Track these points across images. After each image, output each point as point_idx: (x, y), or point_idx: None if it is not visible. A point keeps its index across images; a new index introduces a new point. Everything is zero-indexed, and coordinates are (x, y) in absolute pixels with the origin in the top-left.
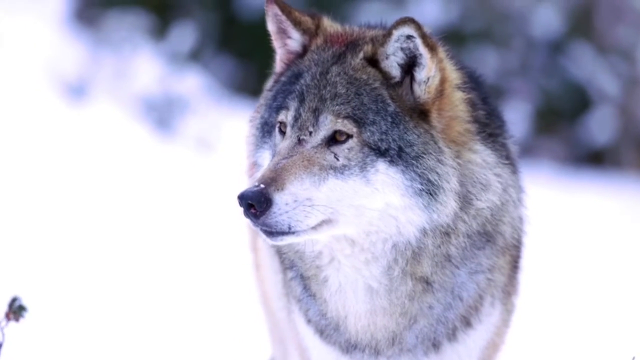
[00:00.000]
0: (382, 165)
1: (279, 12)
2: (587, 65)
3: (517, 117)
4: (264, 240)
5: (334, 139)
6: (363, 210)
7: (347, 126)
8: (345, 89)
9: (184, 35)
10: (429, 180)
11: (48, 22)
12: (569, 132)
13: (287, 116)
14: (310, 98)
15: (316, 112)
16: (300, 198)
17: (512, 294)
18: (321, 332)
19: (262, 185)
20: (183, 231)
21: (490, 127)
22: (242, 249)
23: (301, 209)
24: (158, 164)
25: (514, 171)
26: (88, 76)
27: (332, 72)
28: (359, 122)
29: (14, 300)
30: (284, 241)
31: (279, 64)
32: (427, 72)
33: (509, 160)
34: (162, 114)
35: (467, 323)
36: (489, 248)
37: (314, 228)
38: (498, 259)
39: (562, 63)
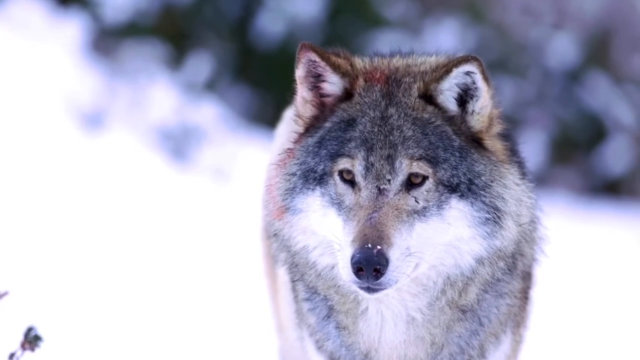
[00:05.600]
0: (454, 201)
1: (317, 59)
2: (603, 95)
3: (533, 147)
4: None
5: (410, 182)
6: (436, 246)
7: (423, 168)
8: (411, 131)
9: (200, 65)
10: (495, 208)
11: (64, 52)
12: (584, 162)
13: (354, 165)
14: (379, 145)
15: (390, 159)
16: (403, 249)
17: (521, 324)
18: None
19: (378, 247)
20: (199, 260)
21: (508, 145)
22: (257, 277)
23: (406, 260)
24: (174, 193)
25: (533, 189)
26: (104, 106)
27: (392, 116)
28: (433, 162)
29: (29, 330)
30: (382, 293)
31: (308, 108)
32: (482, 102)
33: (527, 178)
34: (178, 143)
35: (482, 353)
36: (512, 272)
37: (408, 275)
38: (517, 283)
39: (578, 93)
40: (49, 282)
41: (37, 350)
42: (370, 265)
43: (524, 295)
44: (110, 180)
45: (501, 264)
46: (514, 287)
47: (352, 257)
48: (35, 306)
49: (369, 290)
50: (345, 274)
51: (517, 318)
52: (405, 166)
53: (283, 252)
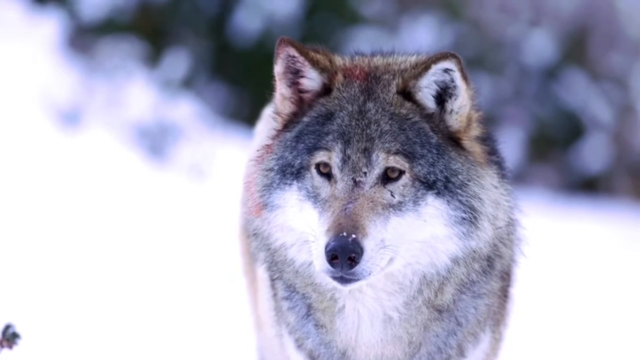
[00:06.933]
0: (430, 198)
1: (296, 54)
2: (580, 93)
3: (510, 145)
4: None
5: (386, 177)
6: (412, 242)
7: (400, 162)
8: (389, 126)
9: (177, 62)
10: (471, 208)
11: (41, 49)
12: (562, 159)
13: (331, 158)
14: (356, 138)
15: (366, 152)
16: (378, 241)
17: (500, 322)
18: (313, 358)
19: (352, 235)
20: (176, 258)
21: (487, 149)
22: (235, 275)
23: (380, 252)
24: (151, 191)
25: (511, 192)
26: (81, 103)
27: (370, 110)
28: (410, 157)
29: (7, 327)
30: (356, 285)
31: (286, 105)
32: (461, 102)
33: (505, 180)
34: (155, 141)
35: (461, 352)
36: (489, 273)
37: (382, 268)
38: (495, 283)
39: (556, 90)
40: (23, 279)
41: (15, 348)
42: (345, 253)
43: (504, 294)
44: (87, 177)
45: (476, 265)
46: (492, 287)
47: (327, 246)
48: (12, 303)
49: (342, 280)
50: (319, 264)
51: (497, 316)
52: (381, 160)
53: (262, 251)
